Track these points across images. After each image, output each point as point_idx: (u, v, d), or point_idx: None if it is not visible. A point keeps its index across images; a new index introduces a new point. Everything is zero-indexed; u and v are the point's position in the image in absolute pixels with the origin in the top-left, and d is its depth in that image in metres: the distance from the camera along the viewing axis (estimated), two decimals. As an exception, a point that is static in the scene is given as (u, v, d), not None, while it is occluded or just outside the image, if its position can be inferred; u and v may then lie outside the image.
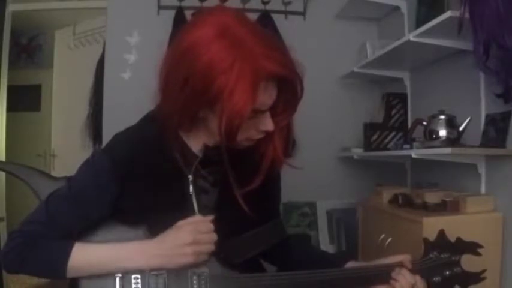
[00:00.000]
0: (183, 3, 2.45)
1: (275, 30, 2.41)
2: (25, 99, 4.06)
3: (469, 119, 1.60)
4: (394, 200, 1.81)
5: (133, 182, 0.88)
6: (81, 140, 3.17)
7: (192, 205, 0.93)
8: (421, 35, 1.69)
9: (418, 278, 0.95)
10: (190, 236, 0.83)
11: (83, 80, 3.24)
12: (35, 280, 2.65)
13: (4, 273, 2.51)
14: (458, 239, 1.01)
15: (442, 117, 1.64)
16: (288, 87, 0.86)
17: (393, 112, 2.25)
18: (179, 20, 2.41)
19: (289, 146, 0.93)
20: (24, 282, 2.86)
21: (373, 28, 2.66)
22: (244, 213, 0.89)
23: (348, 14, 2.56)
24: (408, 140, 1.93)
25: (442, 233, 1.00)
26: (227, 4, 2.34)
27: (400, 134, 2.20)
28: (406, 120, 2.25)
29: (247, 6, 2.48)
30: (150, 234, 0.87)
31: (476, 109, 1.68)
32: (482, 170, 1.64)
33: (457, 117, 1.64)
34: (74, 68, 3.54)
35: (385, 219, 1.77)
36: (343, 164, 2.61)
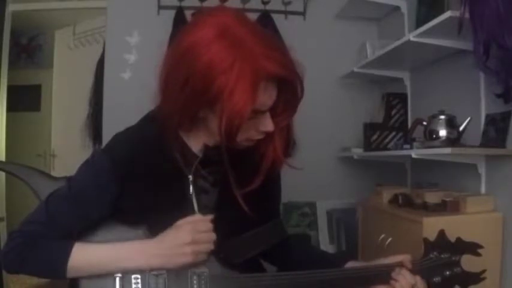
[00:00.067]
0: (183, 3, 2.45)
1: (275, 30, 2.41)
2: (25, 99, 4.06)
3: (469, 119, 1.60)
4: (394, 200, 1.81)
5: (133, 182, 0.88)
6: (81, 140, 3.17)
7: (192, 205, 0.93)
8: (421, 35, 1.69)
9: (418, 278, 0.95)
10: (190, 235, 0.83)
11: (83, 80, 3.24)
12: (35, 280, 2.65)
13: (4, 273, 2.51)
14: (458, 239, 1.01)
15: (442, 117, 1.64)
16: (288, 88, 0.86)
17: (393, 112, 2.25)
18: (179, 20, 2.41)
19: (289, 146, 0.93)
20: (24, 282, 2.86)
21: (373, 28, 2.66)
22: (244, 213, 0.89)
23: (348, 14, 2.56)
24: (408, 140, 1.93)
25: (442, 233, 1.00)
26: (227, 4, 2.35)
27: (400, 134, 2.20)
28: (406, 120, 2.25)
29: (247, 6, 2.48)
30: (150, 234, 0.87)
31: (476, 109, 1.68)
32: (482, 170, 1.64)
33: (457, 117, 1.64)
34: (74, 68, 3.54)
35: (385, 219, 1.77)
36: (343, 164, 2.61)
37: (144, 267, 0.84)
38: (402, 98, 2.27)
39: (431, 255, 0.99)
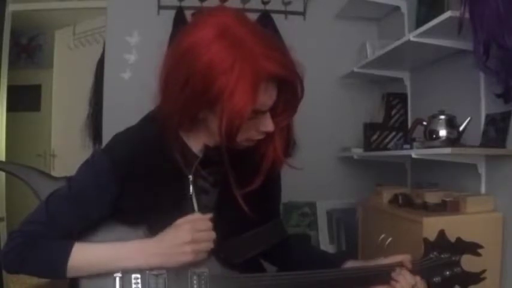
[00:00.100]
0: (183, 3, 2.45)
1: (275, 30, 2.41)
2: (25, 99, 4.06)
3: (469, 119, 1.60)
4: (394, 200, 1.81)
5: (134, 182, 0.88)
6: (81, 140, 3.16)
7: (192, 205, 0.93)
8: (421, 35, 1.69)
9: (418, 278, 0.95)
10: (189, 234, 0.83)
11: (83, 80, 3.24)
12: (35, 280, 2.65)
13: (4, 273, 2.51)
14: (458, 239, 1.01)
15: (442, 117, 1.64)
16: (288, 88, 0.86)
17: (393, 112, 2.25)
18: (179, 20, 2.41)
19: (289, 146, 0.93)
20: (24, 282, 2.86)
21: (373, 28, 2.66)
22: (244, 213, 0.89)
23: (348, 14, 2.56)
24: (408, 140, 1.93)
25: (442, 233, 1.00)
26: (227, 4, 2.34)
27: (400, 134, 2.20)
28: (406, 120, 2.25)
29: (247, 6, 2.47)
30: (150, 234, 0.87)
31: (476, 109, 1.68)
32: (482, 170, 1.64)
33: (457, 117, 1.64)
34: (74, 68, 3.54)
35: (385, 219, 1.77)
36: (343, 164, 2.61)
37: (144, 266, 0.84)
38: (402, 98, 2.27)
39: (431, 255, 0.99)
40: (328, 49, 2.60)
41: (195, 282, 0.85)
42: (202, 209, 0.92)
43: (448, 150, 1.51)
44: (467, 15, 1.42)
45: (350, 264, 1.00)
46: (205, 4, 2.42)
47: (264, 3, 2.51)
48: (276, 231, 1.04)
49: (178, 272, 0.85)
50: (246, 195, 0.90)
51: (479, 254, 1.01)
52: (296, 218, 2.50)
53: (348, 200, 2.48)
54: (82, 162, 0.93)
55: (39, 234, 0.85)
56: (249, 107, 0.78)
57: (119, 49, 2.48)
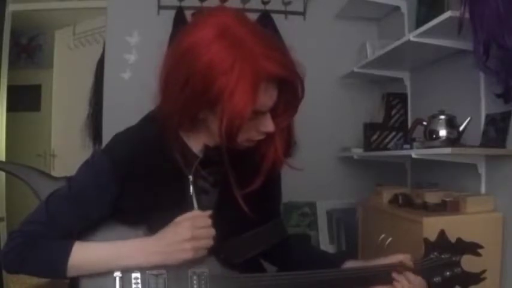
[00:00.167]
0: (183, 3, 2.45)
1: (275, 30, 2.41)
2: (25, 99, 4.07)
3: (469, 119, 1.60)
4: (394, 200, 1.81)
5: (134, 182, 0.88)
6: (81, 140, 3.17)
7: (192, 205, 0.93)
8: (421, 35, 1.69)
9: (418, 278, 0.95)
10: (189, 231, 0.83)
11: (83, 80, 3.24)
12: (35, 280, 2.65)
13: (4, 273, 2.51)
14: (459, 240, 1.01)
15: (442, 117, 1.64)
16: (289, 88, 0.85)
17: (393, 112, 2.25)
18: (179, 20, 2.41)
19: (290, 146, 0.93)
20: (24, 282, 2.86)
21: (373, 28, 2.66)
22: (244, 213, 0.89)
23: (348, 14, 2.56)
24: (408, 140, 1.93)
25: (442, 233, 1.00)
26: (227, 4, 2.35)
27: (400, 134, 2.20)
28: (406, 120, 2.25)
29: (247, 6, 2.47)
30: (150, 234, 0.87)
31: (476, 109, 1.68)
32: (482, 170, 1.64)
33: (457, 117, 1.64)
34: (74, 68, 3.54)
35: (385, 219, 1.77)
36: (343, 164, 2.61)
37: (145, 264, 0.84)
38: (402, 98, 2.27)
39: (431, 256, 0.99)
40: (328, 49, 2.59)
41: (195, 282, 0.85)
42: (202, 209, 0.92)
43: (448, 150, 1.51)
44: (467, 15, 1.42)
45: (350, 264, 1.00)
46: (205, 4, 2.42)
47: (264, 3, 2.51)
48: (276, 231, 1.04)
49: (178, 272, 0.85)
50: (246, 196, 0.90)
51: (479, 254, 1.00)
52: (296, 218, 2.50)
53: (348, 200, 2.48)
54: (82, 163, 0.93)
55: (39, 234, 0.85)
56: (249, 107, 0.78)
57: (118, 49, 2.48)
